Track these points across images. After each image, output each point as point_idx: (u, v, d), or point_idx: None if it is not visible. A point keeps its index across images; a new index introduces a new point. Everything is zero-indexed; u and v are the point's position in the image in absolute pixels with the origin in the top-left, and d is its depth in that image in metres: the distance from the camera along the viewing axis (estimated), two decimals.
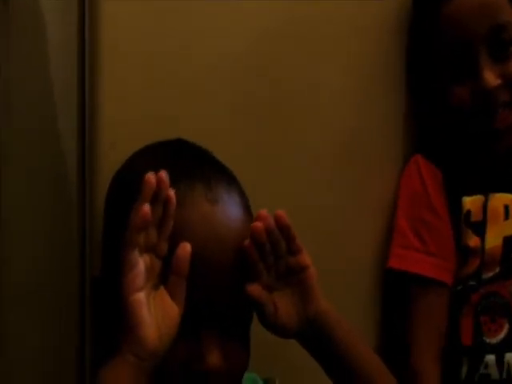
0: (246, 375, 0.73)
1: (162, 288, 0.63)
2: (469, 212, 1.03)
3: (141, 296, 0.61)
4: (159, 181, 0.62)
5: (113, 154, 0.74)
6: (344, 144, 0.99)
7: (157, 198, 0.62)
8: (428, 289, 1.03)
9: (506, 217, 1.01)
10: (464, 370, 1.02)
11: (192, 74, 0.81)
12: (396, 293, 1.05)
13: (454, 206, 1.04)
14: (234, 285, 0.67)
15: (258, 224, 0.67)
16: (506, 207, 1.02)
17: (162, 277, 0.63)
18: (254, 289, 0.68)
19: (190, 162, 0.70)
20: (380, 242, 1.05)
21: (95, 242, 0.74)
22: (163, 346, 0.62)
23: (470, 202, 1.03)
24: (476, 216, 1.02)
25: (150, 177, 0.61)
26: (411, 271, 1.04)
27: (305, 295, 0.70)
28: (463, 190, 1.04)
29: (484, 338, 1.01)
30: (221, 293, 0.66)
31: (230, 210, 0.68)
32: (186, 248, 0.63)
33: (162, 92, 0.79)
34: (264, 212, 0.68)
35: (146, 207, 0.61)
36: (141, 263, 0.61)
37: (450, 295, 1.04)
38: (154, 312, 0.61)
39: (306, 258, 0.70)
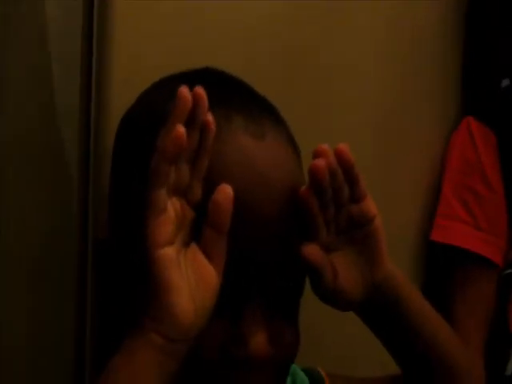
0: None
1: (194, 246, 0.47)
2: None
3: (170, 251, 0.45)
4: (197, 98, 0.45)
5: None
6: (388, 108, 0.86)
7: (191, 122, 0.45)
8: (477, 268, 0.90)
9: None
10: (511, 364, 0.89)
11: None
12: (440, 271, 0.92)
13: (510, 177, 0.90)
14: (285, 244, 0.51)
15: (321, 162, 0.49)
16: None
17: (195, 232, 0.48)
18: (312, 250, 0.51)
19: (225, 90, 0.53)
20: (425, 213, 0.92)
21: (99, 197, 0.59)
22: (198, 323, 0.46)
23: None
24: None
25: (184, 91, 0.44)
26: (457, 245, 0.90)
27: (371, 254, 0.54)
28: None
29: None
30: (269, 254, 0.50)
31: (278, 147, 0.52)
32: (226, 192, 0.46)
33: None
34: (325, 146, 0.50)
35: (181, 128, 0.44)
36: (170, 207, 0.46)
37: (499, 278, 0.91)
38: (186, 276, 0.46)
39: (371, 205, 0.53)
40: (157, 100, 0.54)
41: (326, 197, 0.51)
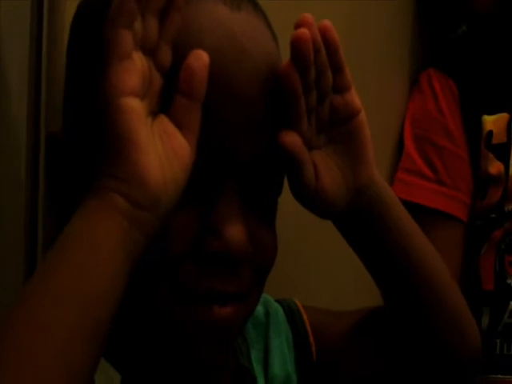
0: None
1: (163, 117, 0.41)
2: (490, 133, 0.87)
3: (136, 103, 0.38)
4: None
5: None
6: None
7: None
8: (438, 224, 0.86)
9: None
10: (485, 320, 0.84)
11: None
12: None
13: (472, 128, 0.88)
14: (263, 129, 0.44)
15: (305, 31, 0.43)
16: None
17: (163, 103, 0.41)
18: (292, 139, 0.45)
19: None
20: (389, 169, 0.88)
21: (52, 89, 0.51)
22: (168, 195, 0.39)
23: (492, 122, 0.87)
24: (499, 138, 0.86)
25: None
26: (417, 202, 0.86)
27: (355, 154, 0.48)
28: (484, 107, 0.87)
29: (508, 281, 0.84)
30: (245, 136, 0.44)
31: (256, 22, 0.46)
32: (202, 57, 0.41)
33: None
34: (309, 16, 0.44)
35: None
36: (137, 58, 0.39)
37: (467, 233, 0.88)
38: (154, 143, 0.39)
39: (356, 98, 0.48)
40: None
41: (309, 76, 0.45)
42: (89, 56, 0.45)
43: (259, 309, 0.57)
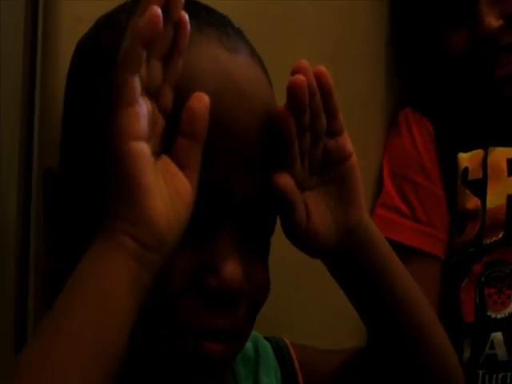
0: None
1: (165, 157, 0.42)
2: (466, 170, 0.88)
3: (145, 147, 0.39)
4: None
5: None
6: None
7: (164, 17, 0.39)
8: (414, 260, 0.85)
9: (510, 173, 0.87)
10: (466, 352, 0.85)
11: None
12: None
13: (448, 165, 0.89)
14: (260, 166, 0.46)
15: (301, 77, 0.44)
16: (510, 161, 0.87)
17: (165, 144, 0.42)
18: (285, 180, 0.46)
19: (194, 8, 0.47)
20: (369, 206, 0.89)
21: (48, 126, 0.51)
22: (172, 235, 0.40)
23: (468, 159, 0.88)
24: (475, 174, 0.88)
25: None
26: (393, 239, 0.85)
27: (346, 196, 0.50)
28: (459, 145, 0.89)
29: (489, 313, 0.85)
30: (243, 174, 0.45)
31: (252, 64, 0.48)
32: (203, 99, 0.42)
33: None
34: (305, 62, 0.46)
35: (157, 9, 0.39)
36: (143, 103, 0.40)
37: (446, 268, 0.88)
38: (158, 185, 0.40)
39: (348, 141, 0.50)
40: (119, 19, 0.48)
41: (304, 120, 0.46)
42: (91, 95, 0.46)
43: (248, 345, 0.57)
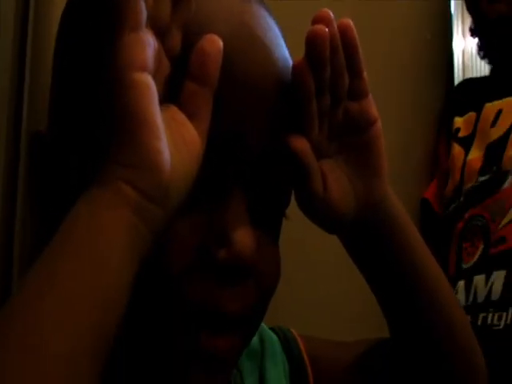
0: None
1: (171, 105, 0.37)
2: (458, 129, 0.97)
3: (149, 79, 0.34)
4: None
5: None
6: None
7: None
8: None
9: (493, 124, 0.91)
10: None
11: None
12: None
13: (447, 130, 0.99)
14: (276, 122, 0.41)
15: (322, 27, 0.40)
16: (498, 113, 0.91)
17: (171, 91, 0.37)
18: (301, 144, 0.41)
19: None
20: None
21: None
22: (177, 189, 0.35)
23: (462, 121, 0.97)
24: (466, 131, 0.96)
25: None
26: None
27: (368, 167, 0.45)
28: (455, 110, 0.99)
29: (463, 266, 0.89)
30: (258, 127, 0.40)
31: (267, 16, 0.43)
32: (215, 40, 0.37)
33: None
34: (327, 12, 0.40)
35: None
36: (148, 35, 0.34)
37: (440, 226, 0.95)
38: (164, 130, 0.35)
39: (373, 106, 0.45)
40: None
41: (323, 77, 0.41)
42: (84, 45, 0.41)
43: (254, 337, 0.52)
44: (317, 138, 0.43)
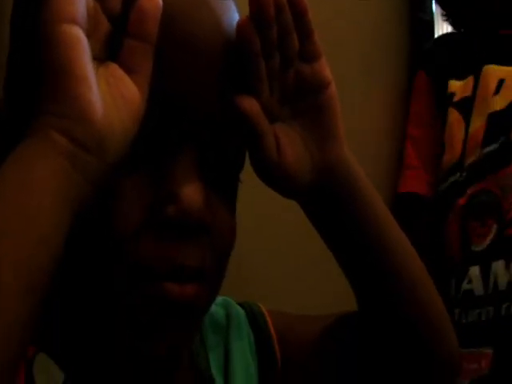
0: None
1: (111, 63, 0.37)
2: (454, 93, 0.90)
3: (78, 31, 0.34)
4: None
5: None
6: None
7: None
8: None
9: (497, 91, 0.84)
10: (452, 291, 0.82)
11: None
12: None
13: (441, 93, 0.92)
14: (222, 82, 0.41)
15: None
16: (500, 81, 0.85)
17: (112, 51, 0.37)
18: (249, 104, 0.41)
19: None
20: None
21: None
22: (115, 141, 0.35)
23: (459, 85, 0.90)
24: (464, 93, 0.89)
25: None
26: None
27: (323, 130, 0.44)
28: (451, 73, 0.92)
29: (472, 248, 0.81)
30: (202, 86, 0.40)
31: None
32: None
33: None
34: None
35: None
36: None
37: (431, 205, 0.89)
38: (99, 83, 0.35)
39: (326, 68, 0.44)
40: None
41: (270, 36, 0.41)
42: (28, 11, 0.41)
43: (219, 311, 0.53)
44: (268, 100, 0.43)
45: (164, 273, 0.39)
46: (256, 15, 0.40)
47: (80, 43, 0.35)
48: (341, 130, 0.46)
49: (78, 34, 0.35)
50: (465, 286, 0.80)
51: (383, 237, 0.48)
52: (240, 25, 0.41)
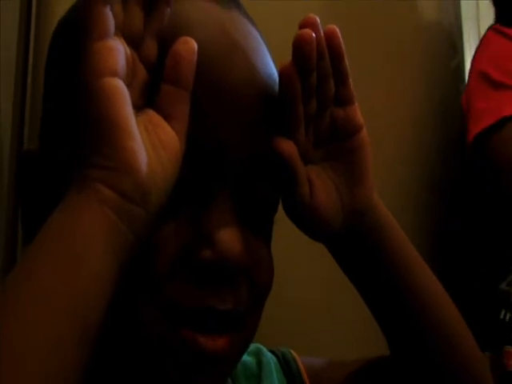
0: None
1: (149, 110, 0.37)
2: None
3: (119, 82, 0.35)
4: None
5: None
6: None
7: None
8: None
9: None
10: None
11: None
12: None
13: None
14: (258, 127, 0.41)
15: (309, 31, 0.40)
16: None
17: (149, 99, 0.38)
18: (287, 146, 0.41)
19: None
20: None
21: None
22: (158, 190, 0.35)
23: None
24: None
25: None
26: None
27: (354, 174, 0.44)
28: None
29: None
30: (238, 132, 0.40)
31: (247, 23, 0.43)
32: (189, 42, 0.37)
33: None
34: (314, 17, 0.41)
35: None
36: (119, 43, 0.35)
37: None
38: (140, 133, 0.35)
39: (359, 113, 0.45)
40: None
41: (310, 81, 0.42)
42: (66, 65, 0.41)
43: (251, 359, 0.52)
44: (303, 143, 0.43)
45: (197, 316, 0.38)
46: (299, 61, 0.41)
47: (122, 95, 0.35)
48: (370, 176, 0.46)
49: (121, 86, 0.35)
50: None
51: (414, 282, 0.47)
52: (283, 70, 0.41)
